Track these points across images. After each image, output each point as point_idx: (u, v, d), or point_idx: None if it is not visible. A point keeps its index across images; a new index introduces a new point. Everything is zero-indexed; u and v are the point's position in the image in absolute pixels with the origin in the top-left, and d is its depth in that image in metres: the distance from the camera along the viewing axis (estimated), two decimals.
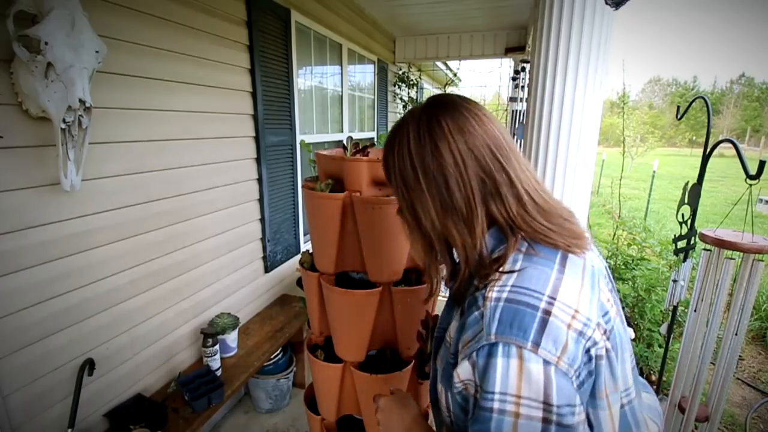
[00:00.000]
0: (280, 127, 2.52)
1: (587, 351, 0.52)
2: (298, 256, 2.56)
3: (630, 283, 3.05)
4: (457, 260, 0.64)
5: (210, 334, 1.84)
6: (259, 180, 2.38)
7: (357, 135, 3.92)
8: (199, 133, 1.91)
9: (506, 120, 5.28)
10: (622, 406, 0.60)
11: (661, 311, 2.84)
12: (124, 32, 1.50)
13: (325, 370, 1.22)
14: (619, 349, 0.58)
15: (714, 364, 1.67)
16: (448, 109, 0.61)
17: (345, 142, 1.19)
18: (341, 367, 1.20)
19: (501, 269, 0.57)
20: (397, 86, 4.91)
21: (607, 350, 0.54)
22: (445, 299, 0.72)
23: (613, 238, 3.48)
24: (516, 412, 0.49)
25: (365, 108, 4.17)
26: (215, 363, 1.85)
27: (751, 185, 1.44)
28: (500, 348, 0.50)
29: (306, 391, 1.42)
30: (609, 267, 0.73)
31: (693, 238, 1.75)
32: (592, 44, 1.39)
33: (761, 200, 9.49)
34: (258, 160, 2.34)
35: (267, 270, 2.55)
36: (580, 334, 0.52)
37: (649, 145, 15.30)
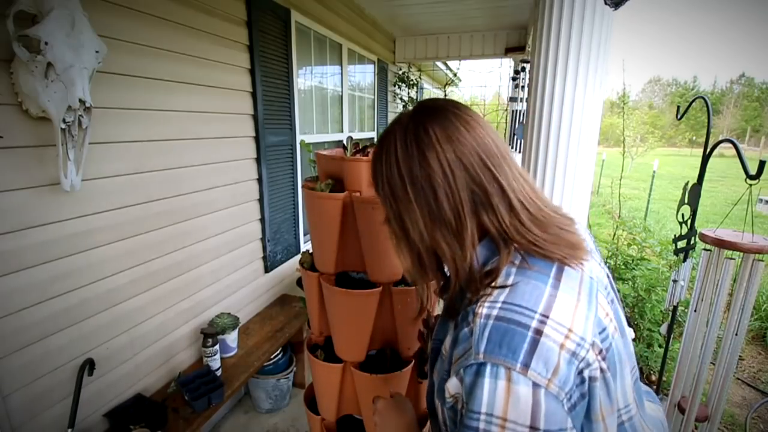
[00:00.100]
0: (280, 127, 2.52)
1: (580, 372, 0.50)
2: (298, 256, 2.56)
3: (630, 283, 3.05)
4: (448, 274, 0.62)
5: (210, 334, 1.84)
6: (259, 180, 2.38)
7: (357, 135, 3.92)
8: (199, 133, 1.91)
9: (506, 120, 5.28)
10: (621, 423, 0.59)
11: (661, 311, 2.84)
12: (124, 32, 1.50)
13: (325, 370, 1.22)
14: (618, 366, 0.56)
15: (714, 364, 1.67)
16: (436, 117, 0.59)
17: (345, 142, 1.19)
18: (341, 367, 1.20)
19: (493, 284, 0.55)
20: (397, 86, 4.91)
21: (602, 371, 0.52)
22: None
23: (613, 238, 3.48)
24: None
25: (365, 108, 4.17)
26: (215, 363, 1.85)
27: (751, 185, 1.44)
28: (488, 368, 0.49)
29: (306, 391, 1.42)
30: (610, 269, 0.71)
31: (693, 238, 1.75)
32: (592, 44, 1.39)
33: (761, 200, 9.49)
34: (258, 160, 2.34)
35: (267, 270, 2.55)
36: (573, 354, 0.49)
37: (649, 145, 15.30)
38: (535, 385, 0.47)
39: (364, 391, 1.18)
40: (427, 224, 0.59)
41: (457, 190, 0.56)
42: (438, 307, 1.05)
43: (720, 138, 1.68)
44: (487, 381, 0.48)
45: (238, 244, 2.27)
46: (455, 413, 0.55)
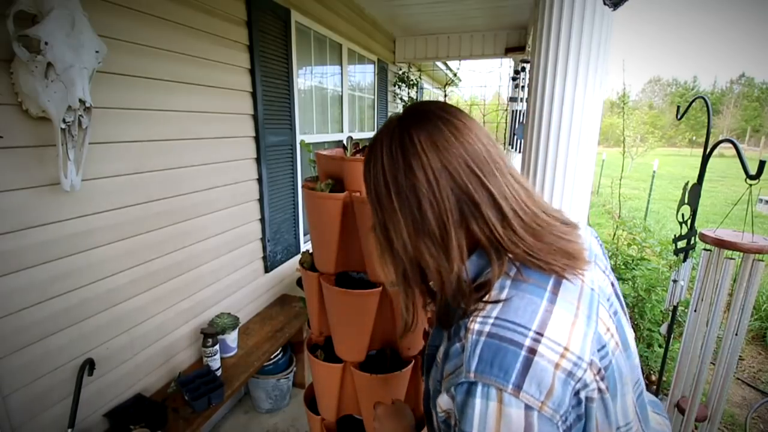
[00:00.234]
0: (280, 127, 2.52)
1: (576, 393, 0.48)
2: (298, 256, 2.56)
3: (630, 283, 3.05)
4: (433, 287, 0.60)
5: (210, 334, 1.84)
6: (259, 180, 2.38)
7: (357, 135, 3.92)
8: (199, 133, 1.91)
9: (506, 120, 5.28)
10: None
11: (661, 311, 2.84)
12: (124, 32, 1.50)
13: (325, 370, 1.22)
14: (618, 384, 0.53)
15: (714, 364, 1.67)
16: (423, 123, 0.56)
17: (345, 142, 1.19)
18: (341, 367, 1.20)
19: (486, 297, 0.52)
20: (397, 86, 4.91)
21: (600, 391, 0.50)
22: None
23: (613, 238, 3.48)
24: None
25: (365, 108, 4.17)
26: (215, 363, 1.85)
27: (751, 185, 1.44)
28: (479, 388, 0.47)
29: (306, 391, 1.42)
30: (616, 275, 0.68)
31: (693, 238, 1.75)
32: (592, 44, 1.39)
33: (761, 200, 9.49)
34: (258, 160, 2.34)
35: (267, 270, 2.55)
36: (570, 374, 0.47)
37: (649, 145, 15.30)
38: (528, 408, 0.45)
39: (364, 391, 1.18)
40: (411, 234, 0.57)
41: (443, 199, 0.54)
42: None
43: (720, 138, 1.68)
44: (478, 401, 0.47)
45: (238, 244, 2.27)
46: (449, 427, 0.54)
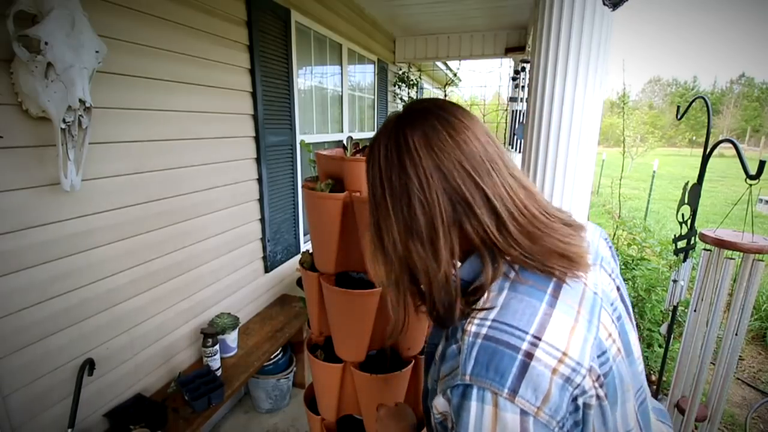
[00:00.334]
0: (280, 127, 2.52)
1: (574, 399, 0.47)
2: (298, 256, 2.55)
3: (630, 283, 3.05)
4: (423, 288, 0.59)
5: (210, 334, 1.84)
6: (259, 180, 2.38)
7: (357, 135, 3.92)
8: (199, 133, 1.91)
9: (506, 120, 5.29)
10: None
11: (661, 311, 2.84)
12: (124, 32, 1.50)
13: (325, 370, 1.22)
14: (619, 391, 0.52)
15: (714, 364, 1.67)
16: (419, 122, 0.56)
17: (345, 142, 1.19)
18: (341, 367, 1.20)
19: (481, 300, 0.52)
20: (397, 86, 4.91)
21: (598, 398, 0.49)
22: None
23: (613, 238, 3.48)
24: None
25: (365, 108, 4.17)
26: (215, 363, 1.85)
27: (751, 185, 1.44)
28: (474, 391, 0.46)
29: (306, 391, 1.42)
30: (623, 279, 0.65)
31: (693, 238, 1.75)
32: (592, 44, 1.39)
33: (761, 200, 9.50)
34: (258, 160, 2.34)
35: (267, 270, 2.54)
36: (568, 380, 0.46)
37: (649, 145, 15.30)
38: (523, 413, 0.45)
39: (364, 391, 1.18)
40: (401, 234, 0.56)
41: (434, 200, 0.54)
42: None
43: (720, 138, 1.68)
44: (473, 405, 0.46)
45: (238, 244, 2.27)
46: (445, 429, 0.53)
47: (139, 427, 1.50)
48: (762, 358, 3.11)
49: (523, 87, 4.54)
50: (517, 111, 4.84)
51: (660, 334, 2.66)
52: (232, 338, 2.01)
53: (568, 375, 0.46)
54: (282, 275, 2.73)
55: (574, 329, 0.49)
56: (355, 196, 1.06)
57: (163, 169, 1.73)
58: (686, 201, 1.73)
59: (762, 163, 1.39)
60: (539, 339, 0.47)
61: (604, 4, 1.36)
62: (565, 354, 0.47)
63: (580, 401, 0.47)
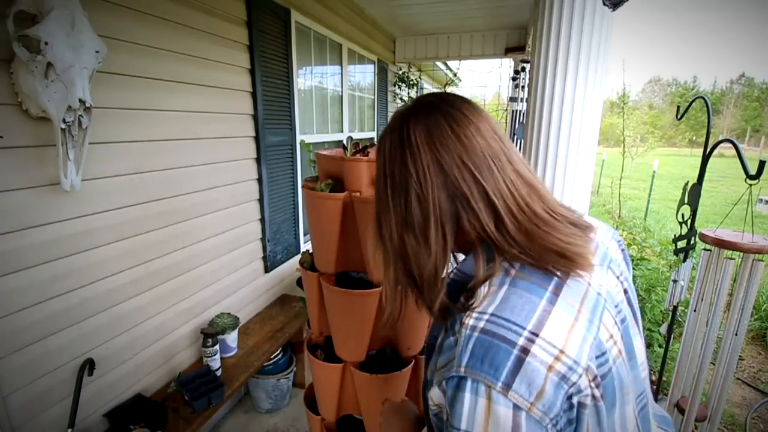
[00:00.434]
0: (280, 127, 2.52)
1: (569, 398, 0.47)
2: (298, 256, 2.55)
3: None
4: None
5: (210, 334, 1.84)
6: (259, 180, 2.38)
7: (357, 135, 3.92)
8: (199, 133, 1.91)
9: (506, 120, 5.29)
10: None
11: (661, 311, 2.84)
12: (124, 32, 1.50)
13: (325, 370, 1.22)
14: (617, 394, 0.52)
15: (714, 364, 1.67)
16: (423, 116, 0.57)
17: (345, 142, 1.20)
18: (341, 367, 1.20)
19: (477, 298, 0.52)
20: (397, 86, 4.91)
21: (594, 398, 0.48)
22: None
23: None
24: None
25: (365, 108, 4.17)
26: (215, 363, 1.85)
27: (751, 185, 1.44)
28: (468, 383, 0.46)
29: (306, 391, 1.42)
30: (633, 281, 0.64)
31: (693, 238, 1.75)
32: (592, 44, 1.39)
33: (761, 200, 9.50)
34: (258, 160, 2.34)
35: (267, 270, 2.55)
36: (563, 378, 0.46)
37: (649, 145, 15.29)
38: (516, 407, 0.45)
39: (364, 391, 1.18)
40: (398, 226, 0.58)
41: (431, 193, 0.54)
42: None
43: (720, 138, 1.68)
44: (467, 397, 0.46)
45: (238, 244, 2.27)
46: (441, 421, 0.53)
47: (139, 427, 1.50)
48: (762, 358, 3.11)
49: (523, 87, 4.54)
50: (517, 111, 4.84)
51: (660, 334, 2.66)
52: (232, 338, 2.01)
53: (564, 373, 0.46)
54: (282, 275, 2.73)
55: (573, 327, 0.49)
56: (355, 196, 1.06)
57: (163, 169, 1.73)
58: (686, 201, 1.73)
59: (762, 163, 1.39)
60: (536, 335, 0.47)
61: (604, 4, 1.36)
62: (562, 352, 0.47)
63: (574, 400, 0.47)
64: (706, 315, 1.63)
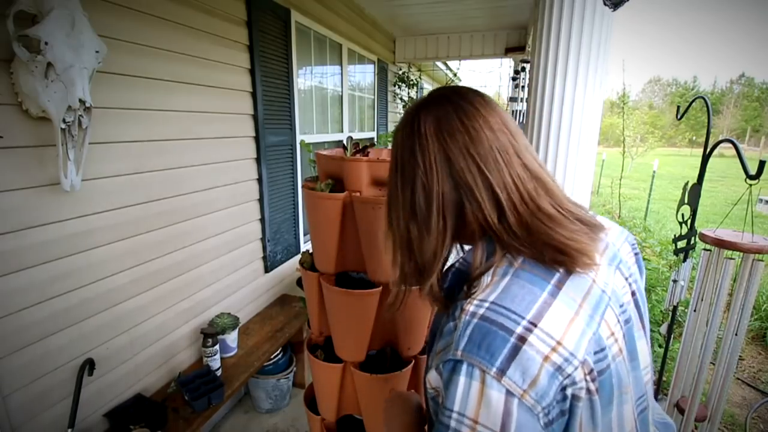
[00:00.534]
0: (280, 127, 2.52)
1: (563, 389, 0.47)
2: (298, 256, 2.56)
3: None
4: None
5: (210, 334, 1.84)
6: (259, 180, 2.38)
7: (357, 135, 3.92)
8: (199, 133, 1.91)
9: None
10: None
11: (661, 311, 2.84)
12: (124, 32, 1.50)
13: (325, 370, 1.22)
14: (615, 391, 0.52)
15: (714, 364, 1.67)
16: (433, 108, 0.59)
17: (345, 142, 1.20)
18: (341, 367, 1.20)
19: (479, 287, 0.53)
20: (397, 86, 4.91)
21: (589, 392, 0.48)
22: None
23: None
24: None
25: (365, 108, 4.17)
26: (215, 363, 1.85)
27: (751, 185, 1.44)
28: (464, 367, 0.47)
29: (306, 391, 1.42)
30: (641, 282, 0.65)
31: (693, 238, 1.75)
32: (592, 44, 1.39)
33: (761, 200, 9.50)
34: (258, 160, 2.34)
35: (267, 270, 2.55)
36: (558, 369, 0.46)
37: (649, 145, 15.28)
38: (509, 393, 0.45)
39: (364, 391, 1.18)
40: (404, 213, 0.60)
41: (436, 183, 0.56)
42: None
43: (720, 138, 1.68)
44: (462, 380, 0.47)
45: (238, 244, 2.27)
46: (437, 405, 0.54)
47: (139, 427, 1.50)
48: (762, 358, 3.11)
49: (523, 87, 4.54)
50: (517, 111, 4.84)
51: (660, 334, 2.66)
52: (232, 338, 2.01)
53: (560, 364, 0.46)
54: (282, 275, 2.73)
55: (572, 321, 0.49)
56: (355, 196, 1.06)
57: (163, 169, 1.73)
58: (686, 201, 1.73)
59: (762, 163, 1.39)
60: (535, 325, 0.47)
61: (605, 4, 1.36)
62: (559, 343, 0.47)
63: (568, 392, 0.47)
64: (706, 315, 1.63)
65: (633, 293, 0.62)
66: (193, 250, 1.94)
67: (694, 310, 1.67)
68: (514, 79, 4.90)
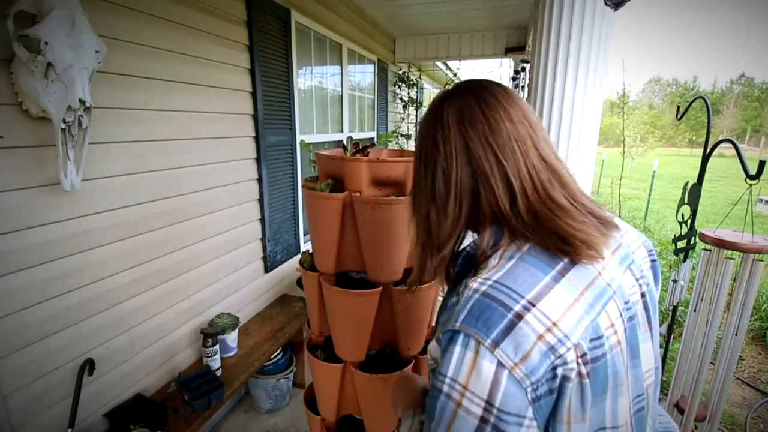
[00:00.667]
0: (280, 127, 2.52)
1: (554, 368, 0.48)
2: (298, 256, 2.56)
3: None
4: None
5: (210, 334, 1.84)
6: (259, 180, 2.38)
7: (357, 135, 3.92)
8: (199, 133, 1.91)
9: None
10: None
11: (661, 311, 2.84)
12: (124, 32, 1.50)
13: (325, 370, 1.22)
14: (610, 382, 0.53)
15: (714, 364, 1.68)
16: (456, 98, 0.62)
17: (345, 142, 1.20)
18: (341, 367, 1.20)
19: (486, 267, 0.55)
20: (397, 86, 4.91)
21: (580, 375, 0.49)
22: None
23: None
24: (459, 401, 0.49)
25: (365, 108, 4.17)
26: (215, 363, 1.85)
27: (751, 185, 1.44)
28: (461, 337, 0.50)
29: (306, 391, 1.42)
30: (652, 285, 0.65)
31: (693, 238, 1.75)
32: (592, 44, 1.39)
33: (761, 200, 9.50)
34: (258, 160, 2.34)
35: (267, 270, 2.55)
36: (551, 349, 0.48)
37: (649, 145, 15.29)
38: (500, 365, 0.47)
39: (364, 391, 1.18)
40: (426, 198, 0.63)
41: (455, 170, 0.59)
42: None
43: (720, 138, 1.68)
44: (457, 348, 0.50)
45: (238, 244, 2.27)
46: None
47: (139, 427, 1.50)
48: (762, 358, 3.11)
49: (523, 87, 4.54)
50: None
51: (660, 334, 2.66)
52: (232, 338, 2.01)
53: (553, 344, 0.48)
54: (282, 275, 2.73)
55: (571, 306, 0.51)
56: (355, 196, 1.06)
57: (163, 169, 1.73)
58: (686, 201, 1.73)
59: (762, 163, 1.39)
60: (533, 305, 0.49)
61: (606, 4, 1.36)
62: (555, 324, 0.49)
63: (559, 371, 0.49)
64: (706, 315, 1.63)
65: (643, 294, 0.62)
66: (193, 250, 1.94)
67: (694, 310, 1.67)
68: (514, 79, 4.90)
